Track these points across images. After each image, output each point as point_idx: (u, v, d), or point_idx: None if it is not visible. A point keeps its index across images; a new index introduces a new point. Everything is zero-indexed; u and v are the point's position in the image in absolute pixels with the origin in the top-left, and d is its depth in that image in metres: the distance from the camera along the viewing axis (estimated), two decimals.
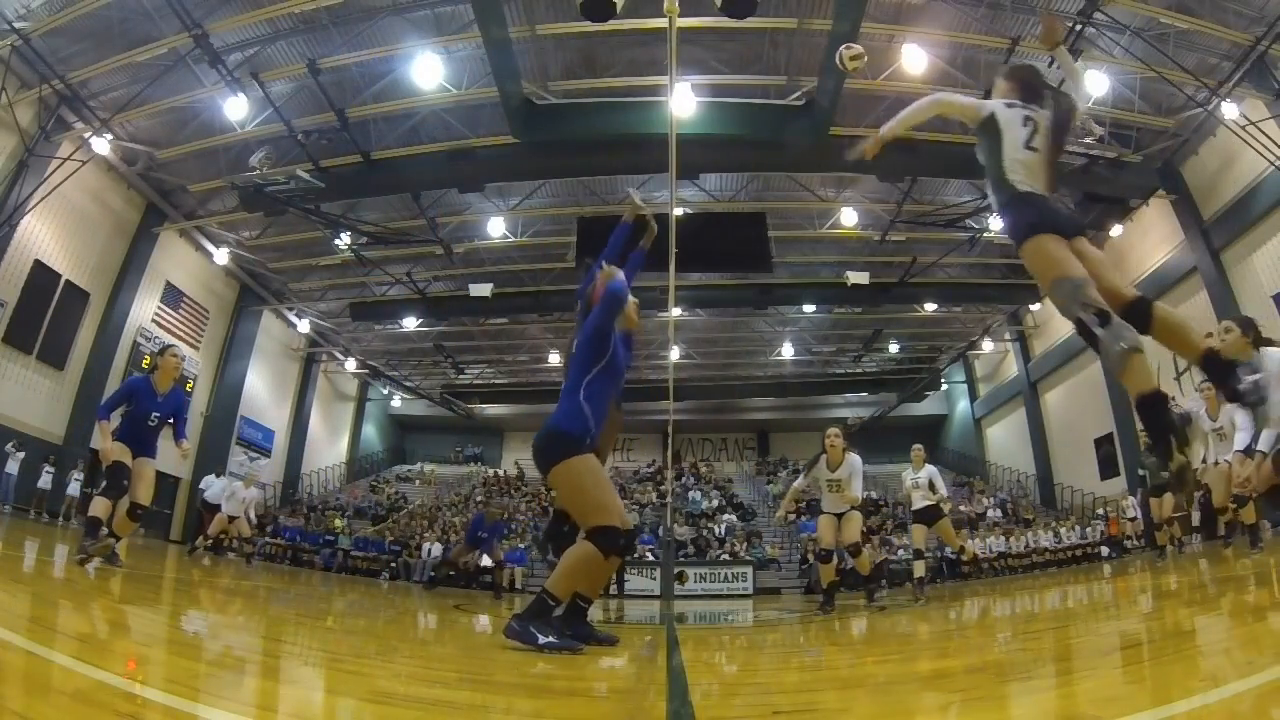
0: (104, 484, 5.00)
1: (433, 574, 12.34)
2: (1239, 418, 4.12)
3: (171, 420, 5.18)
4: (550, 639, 2.78)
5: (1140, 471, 9.23)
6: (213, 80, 12.58)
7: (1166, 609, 3.37)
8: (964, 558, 8.59)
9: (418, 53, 12.43)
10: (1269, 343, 3.95)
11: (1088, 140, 12.56)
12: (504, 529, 13.69)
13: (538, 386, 26.87)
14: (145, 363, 17.13)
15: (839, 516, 6.69)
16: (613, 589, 14.61)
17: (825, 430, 6.76)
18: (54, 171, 13.28)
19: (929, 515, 7.60)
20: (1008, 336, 24.06)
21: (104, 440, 4.89)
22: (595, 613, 8.94)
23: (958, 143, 13.83)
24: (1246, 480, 3.96)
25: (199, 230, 18.06)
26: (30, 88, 12.77)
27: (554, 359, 24.11)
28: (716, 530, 19.14)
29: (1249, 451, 3.92)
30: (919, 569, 7.76)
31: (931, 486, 7.52)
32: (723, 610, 10.29)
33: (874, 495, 22.31)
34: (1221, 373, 2.45)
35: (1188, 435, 2.34)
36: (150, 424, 5.03)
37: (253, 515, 12.22)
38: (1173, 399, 3.79)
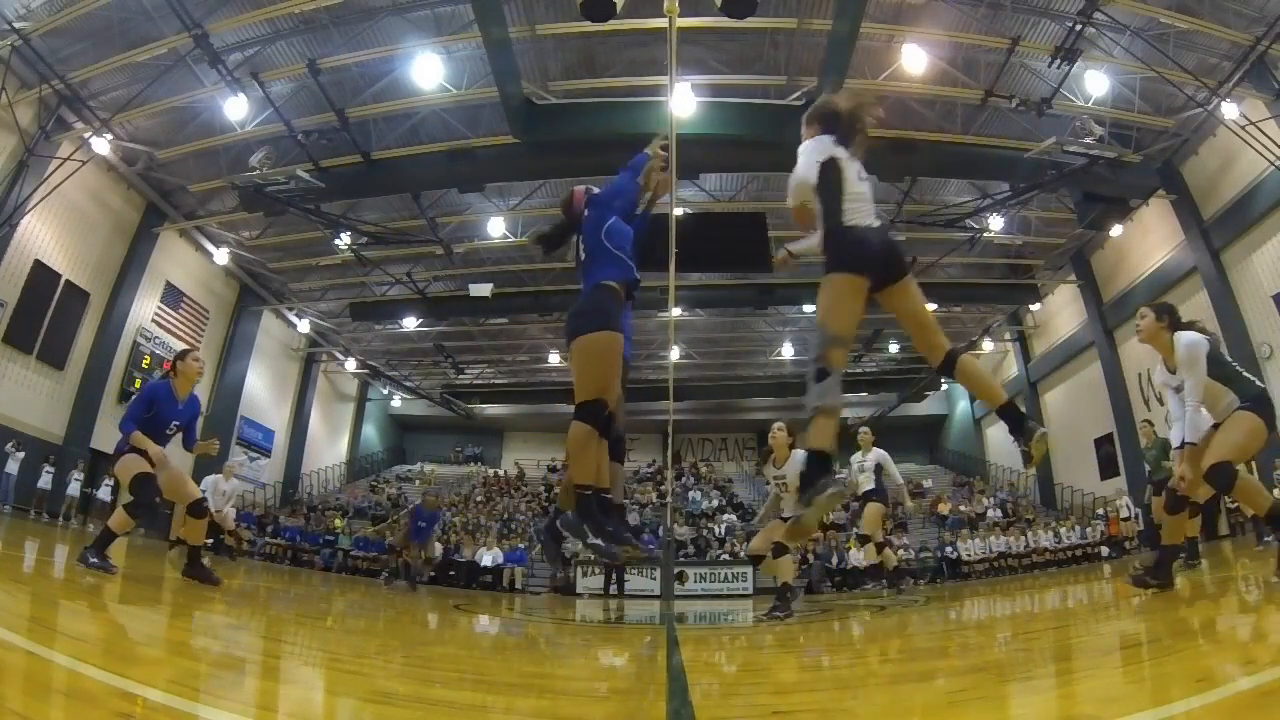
0: (131, 500, 4.69)
1: (392, 576, 12.35)
2: (1172, 409, 3.93)
3: (183, 428, 4.98)
4: (597, 541, 2.99)
5: (1145, 466, 8.94)
6: (213, 80, 12.58)
7: (1166, 609, 3.36)
8: (862, 554, 7.70)
9: (418, 53, 12.43)
10: (1188, 327, 3.86)
11: (1087, 140, 12.56)
12: (440, 517, 13.66)
13: (538, 386, 26.87)
14: (145, 362, 17.16)
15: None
16: (613, 589, 14.62)
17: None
18: (54, 171, 13.28)
19: (877, 495, 7.21)
20: (1008, 336, 24.06)
21: (151, 448, 4.65)
22: (595, 613, 8.94)
23: (957, 143, 13.86)
24: (1181, 477, 3.79)
25: (199, 230, 18.05)
26: (30, 88, 12.77)
27: (554, 359, 24.11)
28: (716, 530, 19.15)
29: (1182, 446, 3.81)
30: (880, 556, 7.29)
31: (879, 470, 7.08)
32: (723, 610, 10.28)
33: None
34: (1015, 421, 2.80)
35: (822, 501, 2.64)
36: (168, 433, 4.81)
37: (232, 510, 12.12)
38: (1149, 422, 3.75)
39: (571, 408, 3.25)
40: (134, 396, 4.86)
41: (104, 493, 15.54)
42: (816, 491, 2.67)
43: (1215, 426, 3.69)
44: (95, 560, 4.38)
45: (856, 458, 7.48)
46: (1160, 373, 4.08)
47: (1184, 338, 3.70)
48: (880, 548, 7.46)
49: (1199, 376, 3.58)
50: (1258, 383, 3.62)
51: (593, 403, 3.13)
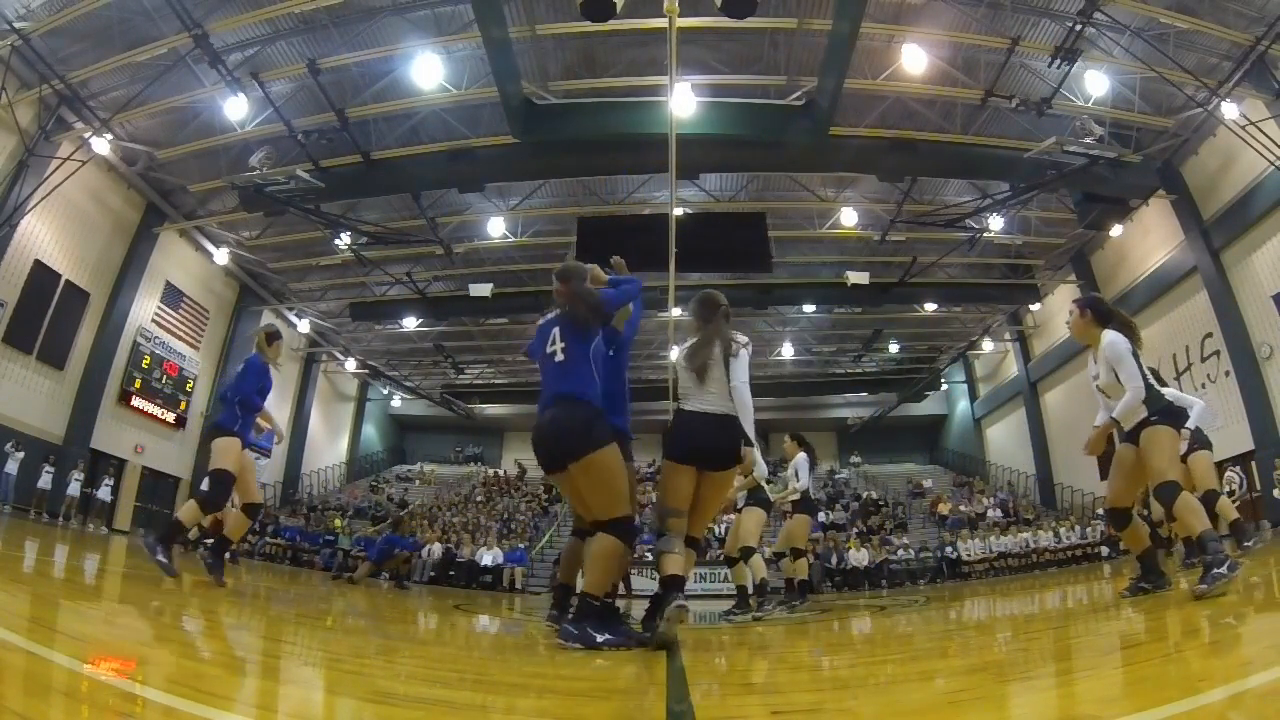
0: (207, 491, 4.73)
1: (344, 573, 12.56)
2: (1102, 407, 4.05)
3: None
4: (607, 636, 2.88)
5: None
6: (213, 80, 12.58)
7: (1166, 608, 3.36)
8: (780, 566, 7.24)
9: (418, 53, 12.43)
10: (1115, 315, 3.91)
11: (1087, 140, 12.56)
12: (415, 543, 14.22)
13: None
14: (145, 362, 17.16)
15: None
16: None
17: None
18: (54, 171, 13.28)
19: (802, 508, 7.00)
20: (1008, 336, 24.06)
21: (280, 429, 4.92)
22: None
23: (957, 143, 13.86)
24: (1087, 443, 4.12)
25: (199, 230, 18.05)
26: (30, 88, 12.77)
27: None
28: (716, 530, 19.13)
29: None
30: (798, 570, 7.10)
31: (796, 475, 6.82)
32: (723, 610, 10.26)
33: (874, 495, 22.36)
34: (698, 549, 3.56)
35: (672, 622, 2.91)
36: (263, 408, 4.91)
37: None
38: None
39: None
40: (247, 373, 4.79)
41: (104, 492, 15.55)
42: (662, 616, 2.87)
43: (1130, 437, 3.75)
44: (163, 559, 4.36)
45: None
46: (1091, 366, 4.10)
47: (1106, 337, 3.77)
48: (750, 553, 6.62)
49: (1129, 367, 3.65)
50: (1165, 395, 3.74)
51: (628, 521, 3.09)
